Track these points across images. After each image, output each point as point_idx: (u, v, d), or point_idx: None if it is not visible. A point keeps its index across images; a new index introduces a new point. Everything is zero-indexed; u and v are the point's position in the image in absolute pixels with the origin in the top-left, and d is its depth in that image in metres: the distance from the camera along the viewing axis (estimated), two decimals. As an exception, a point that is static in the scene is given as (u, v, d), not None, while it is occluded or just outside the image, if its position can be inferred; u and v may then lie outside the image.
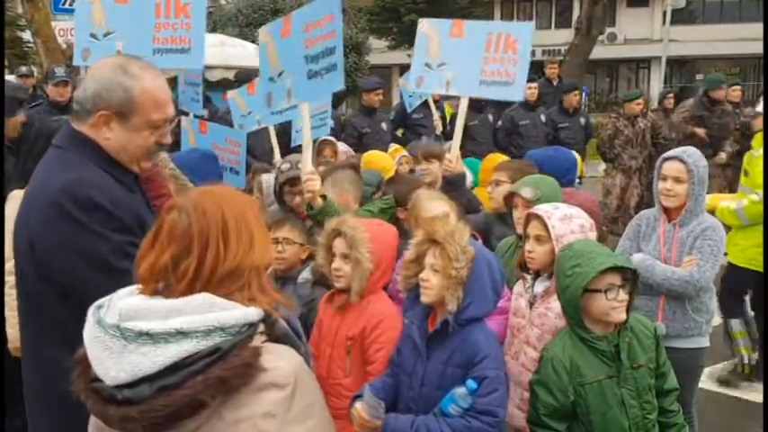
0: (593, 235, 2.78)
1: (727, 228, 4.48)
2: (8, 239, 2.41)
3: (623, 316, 2.46)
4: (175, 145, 4.25)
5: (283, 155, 4.95)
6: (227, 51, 11.06)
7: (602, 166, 10.28)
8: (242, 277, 1.50)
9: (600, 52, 19.74)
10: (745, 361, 5.14)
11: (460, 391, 2.30)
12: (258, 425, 1.40)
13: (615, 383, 2.46)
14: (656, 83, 26.30)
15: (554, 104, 8.90)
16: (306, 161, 3.58)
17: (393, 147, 6.47)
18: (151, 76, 2.15)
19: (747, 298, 5.30)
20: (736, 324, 5.13)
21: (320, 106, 5.75)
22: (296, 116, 5.19)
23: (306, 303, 3.19)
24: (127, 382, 1.36)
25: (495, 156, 5.46)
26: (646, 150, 8.93)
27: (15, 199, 3.01)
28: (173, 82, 5.76)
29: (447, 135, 7.56)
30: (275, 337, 1.51)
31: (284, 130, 5.58)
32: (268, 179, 4.33)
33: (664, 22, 20.43)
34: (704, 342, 3.54)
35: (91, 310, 1.47)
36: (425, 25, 4.17)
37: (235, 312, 1.42)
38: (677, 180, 3.45)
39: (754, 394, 4.94)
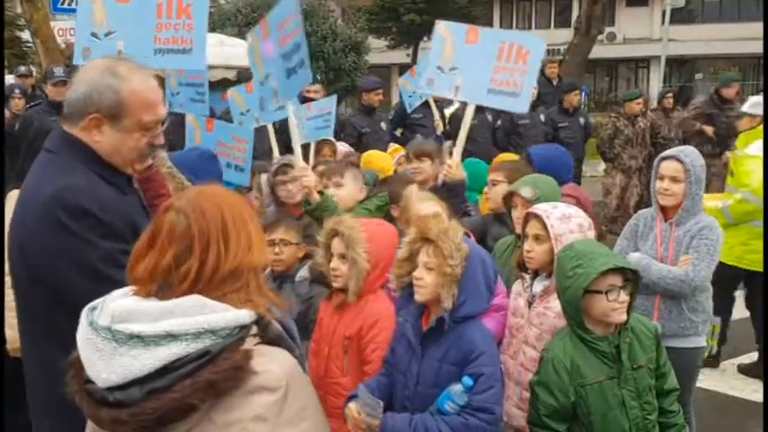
0: (591, 234, 2.78)
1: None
2: (8, 239, 2.40)
3: (624, 317, 2.45)
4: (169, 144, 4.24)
5: (283, 153, 4.95)
6: (226, 51, 11.05)
7: (602, 165, 10.29)
8: (241, 278, 1.49)
9: (599, 52, 19.71)
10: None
11: (456, 388, 2.30)
12: (249, 428, 1.39)
13: (616, 384, 2.45)
14: (655, 82, 26.29)
15: (553, 104, 8.89)
16: (297, 157, 3.61)
17: (392, 146, 6.48)
18: (141, 77, 2.13)
19: (737, 295, 5.40)
20: (715, 320, 5.18)
21: (323, 108, 5.81)
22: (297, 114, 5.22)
23: (304, 301, 3.20)
24: (118, 385, 1.35)
25: (503, 155, 5.44)
26: (645, 150, 8.93)
27: (13, 199, 3.00)
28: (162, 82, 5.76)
29: (447, 135, 7.55)
30: (269, 339, 1.50)
31: (284, 129, 5.58)
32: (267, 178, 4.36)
33: (663, 22, 20.42)
34: (701, 342, 3.54)
35: (84, 312, 1.47)
36: (442, 28, 4.16)
37: (225, 315, 1.40)
38: (674, 179, 3.45)
39: (754, 394, 4.95)
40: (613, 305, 2.41)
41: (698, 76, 32.10)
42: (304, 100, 7.21)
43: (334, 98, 6.22)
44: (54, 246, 1.97)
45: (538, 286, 2.82)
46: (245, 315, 1.43)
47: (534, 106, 8.35)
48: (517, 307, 2.91)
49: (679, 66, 32.37)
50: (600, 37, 16.20)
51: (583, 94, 11.04)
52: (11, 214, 2.11)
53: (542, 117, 8.46)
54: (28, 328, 2.16)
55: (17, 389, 3.50)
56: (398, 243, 2.65)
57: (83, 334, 1.43)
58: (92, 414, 1.40)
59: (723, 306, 5.17)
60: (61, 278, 1.98)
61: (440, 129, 7.76)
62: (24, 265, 2.04)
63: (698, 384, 3.72)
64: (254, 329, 1.47)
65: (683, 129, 8.97)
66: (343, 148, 5.82)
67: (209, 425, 1.39)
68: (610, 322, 2.46)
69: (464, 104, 4.28)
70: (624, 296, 2.43)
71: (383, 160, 5.21)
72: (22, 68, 10.49)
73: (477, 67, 3.99)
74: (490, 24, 32.62)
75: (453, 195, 3.77)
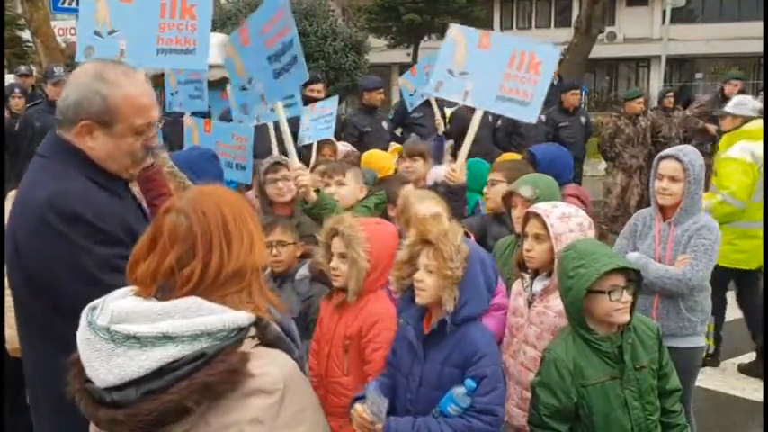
0: (591, 233, 2.77)
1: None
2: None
3: (627, 317, 2.44)
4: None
5: (282, 152, 4.96)
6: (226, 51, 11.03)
7: (603, 164, 10.29)
8: (244, 278, 1.49)
9: (599, 51, 19.68)
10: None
11: (459, 390, 2.29)
12: (245, 431, 1.38)
13: (618, 385, 2.45)
14: (655, 82, 26.27)
15: (554, 104, 8.88)
16: (292, 156, 3.62)
17: (393, 146, 6.47)
18: (131, 81, 2.11)
19: (728, 296, 5.43)
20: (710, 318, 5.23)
21: (325, 109, 5.82)
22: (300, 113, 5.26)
23: (304, 300, 3.21)
24: (115, 385, 1.35)
25: (506, 155, 5.44)
26: (646, 149, 8.93)
27: (12, 199, 3.00)
28: (160, 80, 5.77)
29: (448, 134, 7.54)
30: (268, 340, 1.49)
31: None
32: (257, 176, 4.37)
33: (663, 21, 20.40)
34: (700, 341, 3.54)
35: (84, 311, 1.46)
36: (454, 31, 4.11)
37: (223, 316, 1.39)
38: (673, 179, 3.44)
39: (754, 393, 4.94)
40: (616, 305, 2.40)
41: (698, 75, 32.07)
42: (306, 100, 7.21)
43: (335, 99, 6.22)
44: (48, 250, 1.96)
45: (538, 285, 2.82)
46: (242, 317, 1.42)
47: (535, 106, 8.36)
48: (517, 306, 2.90)
49: (679, 65, 32.36)
50: (600, 36, 16.19)
51: (582, 93, 11.04)
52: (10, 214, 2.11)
53: (543, 117, 8.44)
54: (26, 330, 2.15)
55: (17, 389, 3.51)
56: (398, 243, 2.65)
57: (82, 334, 1.42)
58: (90, 414, 1.40)
59: (715, 306, 5.19)
60: (56, 282, 1.97)
61: (441, 129, 7.75)
62: (21, 268, 2.03)
63: (698, 384, 3.71)
64: (253, 331, 1.46)
65: (686, 126, 8.96)
66: (343, 147, 5.82)
67: (206, 427, 1.39)
68: (612, 322, 2.45)
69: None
70: (627, 296, 2.41)
71: (383, 159, 5.20)
72: (23, 68, 10.51)
73: (488, 73, 3.96)
74: (490, 24, 32.67)
75: (455, 199, 3.76)
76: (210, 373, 1.34)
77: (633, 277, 2.46)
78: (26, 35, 16.66)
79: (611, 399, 2.43)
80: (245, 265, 1.49)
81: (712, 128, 8.55)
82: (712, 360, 5.39)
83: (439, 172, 4.32)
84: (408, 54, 28.30)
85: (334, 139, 5.87)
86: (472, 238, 2.90)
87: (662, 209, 3.54)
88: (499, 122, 8.25)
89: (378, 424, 2.36)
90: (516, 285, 2.95)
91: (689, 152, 3.48)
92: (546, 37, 29.04)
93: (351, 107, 18.89)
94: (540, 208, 2.82)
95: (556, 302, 2.65)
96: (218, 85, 6.85)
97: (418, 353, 2.44)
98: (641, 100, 9.17)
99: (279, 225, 3.39)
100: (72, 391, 1.43)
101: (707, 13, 32.31)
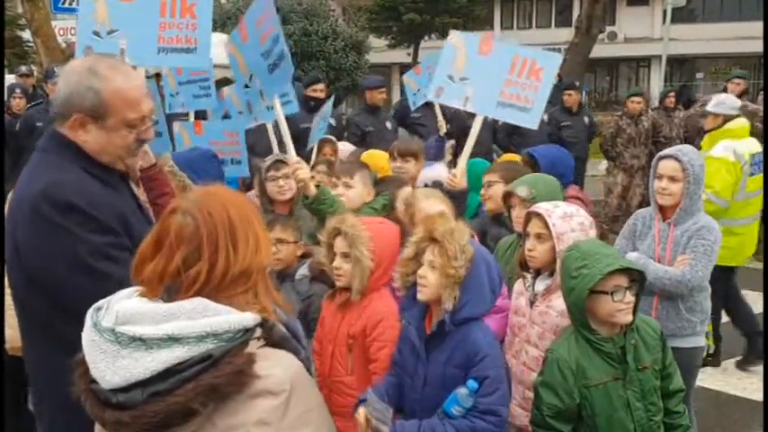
0: (593, 233, 2.77)
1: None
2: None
3: (630, 318, 2.44)
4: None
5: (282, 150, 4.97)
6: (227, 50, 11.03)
7: (604, 164, 10.29)
8: (250, 279, 1.48)
9: (600, 51, 19.68)
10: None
11: (462, 391, 2.29)
12: None
13: (621, 385, 2.44)
14: (656, 81, 26.27)
15: (555, 104, 8.87)
16: (290, 152, 3.62)
17: (395, 146, 6.46)
18: (122, 75, 2.12)
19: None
20: None
21: (323, 111, 5.84)
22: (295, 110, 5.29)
23: (304, 299, 3.20)
24: (121, 387, 1.34)
25: (507, 156, 5.43)
26: (647, 149, 8.92)
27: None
28: (159, 78, 5.77)
29: (449, 134, 7.53)
30: (273, 341, 1.48)
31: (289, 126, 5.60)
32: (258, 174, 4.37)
33: (664, 21, 20.40)
34: (699, 341, 3.53)
35: (89, 312, 1.45)
36: (455, 38, 4.12)
37: (229, 318, 1.39)
38: (672, 179, 3.43)
39: (755, 393, 4.94)
40: (619, 306, 2.39)
41: (699, 75, 32.07)
42: (308, 100, 7.20)
43: (330, 101, 6.25)
44: (44, 242, 1.97)
45: (540, 285, 2.81)
46: (248, 318, 1.41)
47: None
48: (519, 306, 2.90)
49: (680, 65, 32.35)
50: (601, 36, 16.17)
51: (583, 93, 11.04)
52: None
53: (545, 116, 8.43)
54: (27, 329, 2.16)
55: (17, 389, 3.51)
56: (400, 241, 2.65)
57: (87, 335, 1.41)
58: (96, 415, 1.40)
59: (713, 305, 5.20)
60: (57, 280, 1.97)
61: (443, 129, 7.74)
62: (21, 268, 2.04)
63: (700, 384, 3.71)
64: (259, 332, 1.45)
65: (688, 125, 8.95)
66: (345, 147, 5.81)
67: (212, 429, 1.38)
68: (615, 323, 2.45)
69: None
70: (630, 297, 2.41)
71: (383, 160, 5.19)
72: (23, 68, 10.51)
73: (488, 79, 3.96)
74: (491, 24, 32.68)
75: (456, 204, 3.76)
76: (217, 375, 1.33)
77: (636, 278, 2.46)
78: (27, 35, 16.63)
79: (613, 399, 2.43)
80: (252, 266, 1.48)
81: None
82: (713, 360, 5.39)
83: (432, 172, 4.31)
84: (409, 54, 28.31)
85: (333, 138, 5.87)
86: (476, 239, 2.90)
87: (661, 209, 3.53)
88: (499, 122, 8.25)
89: (383, 428, 2.35)
90: (518, 285, 2.95)
91: (688, 152, 3.46)
92: (546, 36, 29.10)
93: (352, 107, 18.89)
94: (541, 207, 2.82)
95: (558, 302, 2.65)
96: (218, 85, 6.85)
97: (420, 354, 2.44)
98: (639, 99, 9.18)
99: (279, 223, 3.41)
100: (77, 392, 1.42)
101: (707, 13, 32.31)
